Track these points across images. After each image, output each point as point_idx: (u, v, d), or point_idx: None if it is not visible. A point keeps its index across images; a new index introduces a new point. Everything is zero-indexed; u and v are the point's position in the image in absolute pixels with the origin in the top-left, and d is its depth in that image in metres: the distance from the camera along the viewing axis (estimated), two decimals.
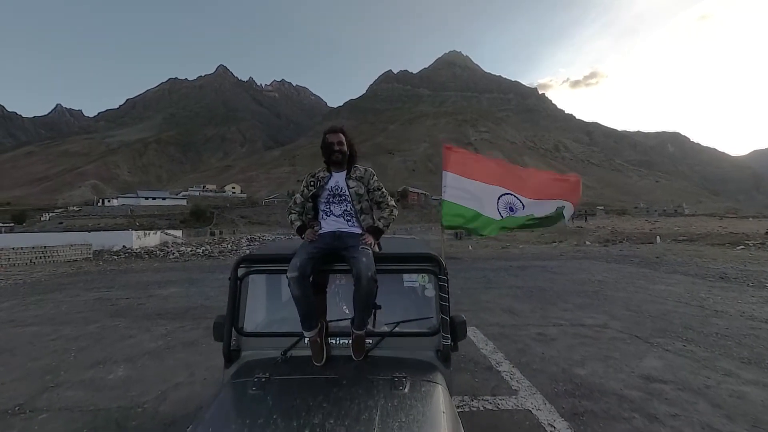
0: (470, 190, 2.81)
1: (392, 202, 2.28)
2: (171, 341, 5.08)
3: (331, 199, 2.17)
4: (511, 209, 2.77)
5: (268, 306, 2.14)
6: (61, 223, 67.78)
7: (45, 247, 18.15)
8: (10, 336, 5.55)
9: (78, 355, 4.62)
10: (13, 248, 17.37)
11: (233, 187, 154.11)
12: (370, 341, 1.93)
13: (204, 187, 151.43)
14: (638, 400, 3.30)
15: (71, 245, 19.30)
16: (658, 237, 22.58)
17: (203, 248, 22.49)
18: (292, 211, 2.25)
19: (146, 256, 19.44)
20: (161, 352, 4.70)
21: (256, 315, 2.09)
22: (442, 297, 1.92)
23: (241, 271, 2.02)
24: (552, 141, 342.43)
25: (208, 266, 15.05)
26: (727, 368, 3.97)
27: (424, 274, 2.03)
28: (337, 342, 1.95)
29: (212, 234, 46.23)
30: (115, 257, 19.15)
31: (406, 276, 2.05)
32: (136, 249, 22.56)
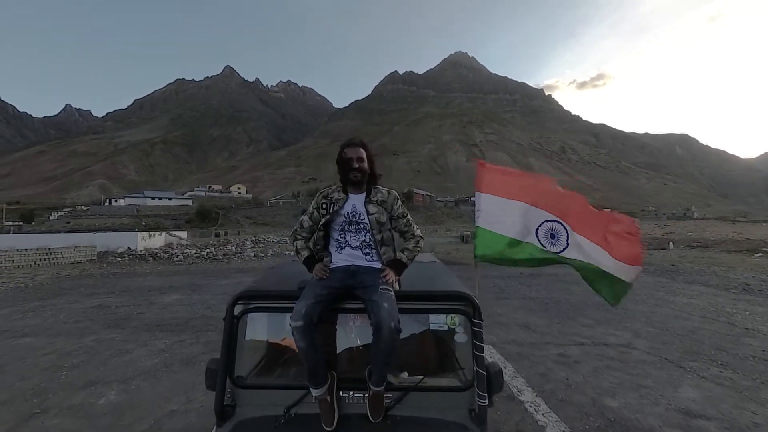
0: (508, 212, 2.36)
1: (419, 232, 1.94)
2: (168, 358, 4.80)
3: (346, 227, 1.83)
4: (552, 237, 2.32)
5: (269, 351, 1.84)
6: (69, 222, 68.31)
7: (49, 248, 18.06)
8: (3, 349, 5.31)
9: (69, 374, 4.35)
10: (18, 250, 17.29)
11: (239, 188, 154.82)
12: (390, 396, 1.61)
13: (210, 187, 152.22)
14: None
15: (75, 246, 19.19)
16: (671, 243, 22.02)
17: (207, 250, 22.31)
18: (299, 237, 1.92)
19: (150, 258, 19.29)
20: (157, 371, 4.41)
21: (255, 362, 1.78)
22: (476, 345, 1.60)
23: (238, 309, 1.72)
24: (558, 143, 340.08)
25: (212, 270, 14.82)
26: None
27: (453, 316, 1.71)
28: (351, 396, 1.64)
29: (217, 235, 46.16)
30: (119, 259, 19.02)
31: (432, 317, 1.73)
32: (141, 251, 22.45)
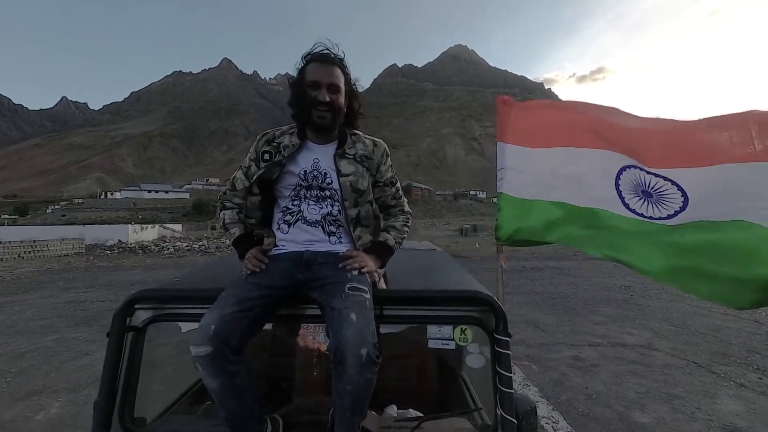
0: (552, 166, 1.50)
1: (408, 207, 1.34)
2: None
3: (303, 192, 1.19)
4: (646, 195, 1.37)
5: (188, 381, 1.26)
6: (64, 215, 67.73)
7: (34, 241, 17.45)
8: None
9: (14, 381, 3.79)
10: (1, 242, 16.68)
11: None
12: None
13: (207, 180, 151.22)
14: None
15: (62, 239, 18.60)
16: None
17: (200, 243, 21.76)
18: (227, 204, 1.28)
19: (140, 251, 18.71)
20: None
21: (167, 398, 1.21)
22: (501, 375, 1.02)
23: (139, 317, 1.14)
24: None
25: (202, 263, 14.27)
26: None
27: (465, 328, 1.12)
28: None
29: (213, 228, 45.55)
30: (108, 252, 18.43)
31: (432, 329, 1.14)
32: (131, 243, 21.86)
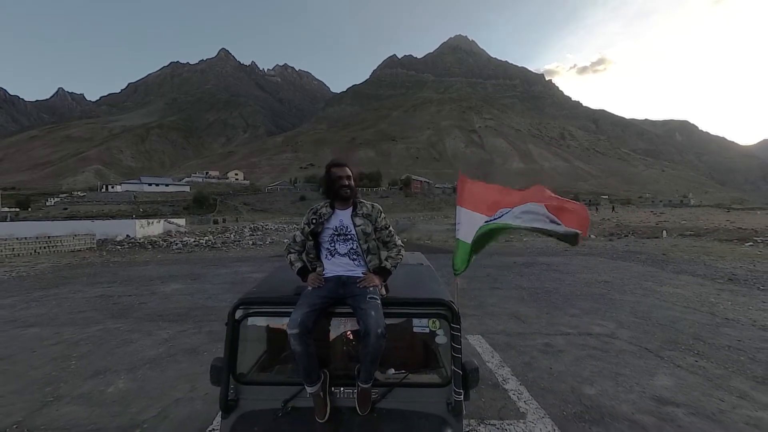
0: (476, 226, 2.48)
1: (399, 242, 2.17)
2: (172, 348, 5.03)
3: (335, 238, 2.05)
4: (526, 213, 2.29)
5: (268, 351, 2.04)
6: (66, 209, 68.21)
7: (49, 237, 18.19)
8: (11, 339, 5.52)
9: (78, 363, 4.57)
10: (18, 238, 17.41)
11: (236, 174, 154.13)
12: (377, 391, 1.81)
13: (207, 173, 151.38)
14: (650, 426, 3.20)
15: (75, 235, 19.34)
16: (664, 231, 22.35)
17: (206, 238, 22.51)
18: (292, 251, 2.13)
19: (149, 246, 19.47)
20: (162, 360, 4.64)
21: (255, 361, 1.98)
22: (454, 347, 1.79)
23: (239, 314, 1.91)
24: (557, 129, 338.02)
25: (211, 259, 15.02)
26: (741, 389, 3.85)
27: (435, 320, 1.90)
28: (342, 392, 1.84)
29: (215, 222, 46.35)
30: (119, 247, 19.19)
31: (415, 320, 1.93)
32: (140, 238, 22.62)
